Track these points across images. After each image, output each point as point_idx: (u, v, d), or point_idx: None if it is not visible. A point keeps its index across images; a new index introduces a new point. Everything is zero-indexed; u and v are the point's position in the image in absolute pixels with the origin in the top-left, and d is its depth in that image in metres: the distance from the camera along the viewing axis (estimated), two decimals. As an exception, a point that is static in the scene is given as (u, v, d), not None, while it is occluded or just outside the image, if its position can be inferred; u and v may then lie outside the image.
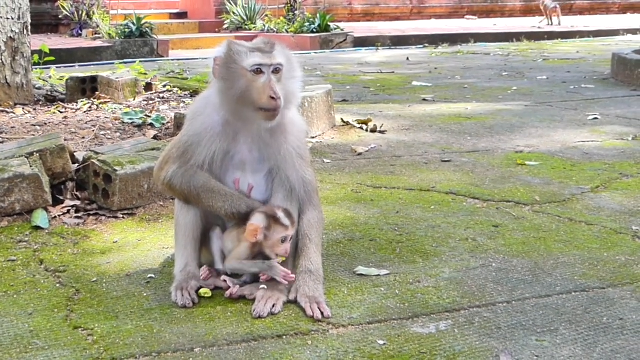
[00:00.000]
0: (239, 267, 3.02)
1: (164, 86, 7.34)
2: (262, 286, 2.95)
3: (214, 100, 3.02)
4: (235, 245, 3.02)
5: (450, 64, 11.78)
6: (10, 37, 6.41)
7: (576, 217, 3.97)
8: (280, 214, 2.94)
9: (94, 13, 15.24)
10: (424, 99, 8.00)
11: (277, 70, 2.94)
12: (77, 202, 4.10)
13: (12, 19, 6.41)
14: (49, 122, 5.67)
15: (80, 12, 15.39)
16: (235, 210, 2.98)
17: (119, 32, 13.71)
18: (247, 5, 17.59)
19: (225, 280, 3.03)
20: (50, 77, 8.14)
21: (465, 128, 6.38)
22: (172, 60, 12.63)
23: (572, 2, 24.52)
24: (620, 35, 17.68)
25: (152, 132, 5.36)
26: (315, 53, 14.54)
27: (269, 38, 3.05)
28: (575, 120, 6.73)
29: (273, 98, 2.89)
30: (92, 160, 4.15)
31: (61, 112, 6.17)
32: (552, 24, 19.50)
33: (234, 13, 17.62)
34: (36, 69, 7.93)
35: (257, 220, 2.93)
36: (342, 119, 6.45)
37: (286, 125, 3.05)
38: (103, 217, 4.00)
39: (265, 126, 2.97)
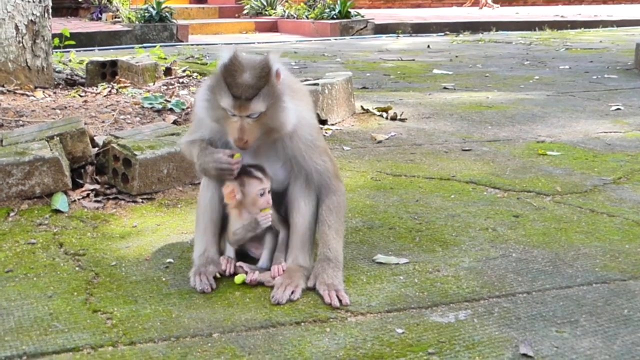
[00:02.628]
0: (237, 238, 3.05)
1: (184, 71, 7.34)
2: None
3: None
4: (229, 224, 3.07)
5: (471, 52, 11.71)
6: (31, 21, 6.42)
7: (598, 208, 3.94)
8: (250, 169, 2.96)
9: (114, -3, 15.29)
10: (445, 87, 7.95)
11: (251, 116, 2.81)
12: (97, 186, 4.11)
13: (33, 2, 6.43)
14: (69, 106, 5.68)
15: (101, -4, 15.45)
16: (204, 162, 2.97)
17: (139, 16, 13.72)
18: (267, -9, 17.57)
19: (241, 266, 3.03)
20: (70, 60, 8.17)
21: (486, 117, 6.34)
22: (192, 45, 12.64)
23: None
24: (643, 25, 17.50)
25: (172, 117, 5.36)
26: (335, 39, 14.49)
27: (265, 68, 2.79)
28: (597, 110, 6.67)
29: (239, 140, 2.82)
30: (112, 145, 4.16)
31: (81, 96, 6.19)
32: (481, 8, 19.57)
33: (254, -2, 17.60)
34: (56, 52, 7.95)
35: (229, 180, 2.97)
36: (362, 107, 6.43)
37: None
38: (122, 202, 4.00)
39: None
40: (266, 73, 2.81)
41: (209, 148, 2.99)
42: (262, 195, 2.98)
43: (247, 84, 2.78)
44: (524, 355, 2.44)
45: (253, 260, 3.11)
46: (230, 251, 3.11)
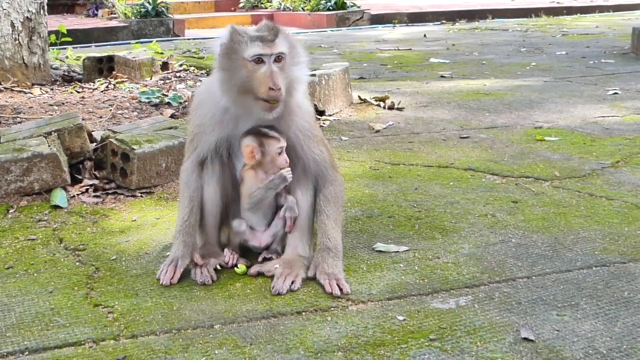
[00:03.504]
0: (255, 199, 3.04)
1: (181, 65, 7.34)
2: (276, 265, 2.97)
3: (215, 89, 3.00)
4: (243, 188, 3.07)
5: (468, 40, 11.69)
6: (27, 17, 6.41)
7: (596, 192, 3.94)
8: (265, 130, 2.99)
9: (109, -7, 15.23)
10: (442, 76, 7.94)
11: (279, 59, 2.90)
12: (96, 181, 4.11)
13: (29, -1, 6.41)
14: (67, 102, 5.68)
15: (96, -8, 15.39)
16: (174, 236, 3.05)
17: (135, 11, 13.69)
18: (262, -17, 17.51)
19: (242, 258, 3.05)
20: (67, 57, 8.16)
21: (483, 104, 6.34)
22: (188, 39, 12.61)
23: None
24: (640, 10, 17.47)
25: (169, 111, 5.36)
26: (332, 31, 14.46)
27: (273, 23, 2.98)
28: (595, 95, 6.66)
29: (272, 89, 2.85)
30: (110, 139, 4.16)
31: (78, 92, 6.19)
32: None
33: (249, -9, 17.54)
34: (53, 49, 7.94)
35: (248, 141, 3.00)
36: (359, 97, 6.42)
37: (292, 108, 3.02)
38: (121, 196, 4.01)
39: (266, 117, 2.93)
40: (274, 25, 2.94)
41: (184, 232, 3.01)
42: (279, 153, 3.00)
43: (266, 30, 2.91)
44: (525, 339, 2.45)
45: (254, 255, 3.12)
46: (234, 244, 3.12)
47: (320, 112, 5.70)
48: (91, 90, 6.26)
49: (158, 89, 5.91)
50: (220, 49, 2.94)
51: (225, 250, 3.09)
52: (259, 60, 2.87)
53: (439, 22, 15.56)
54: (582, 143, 4.96)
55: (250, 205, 3.07)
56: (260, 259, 3.09)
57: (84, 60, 7.02)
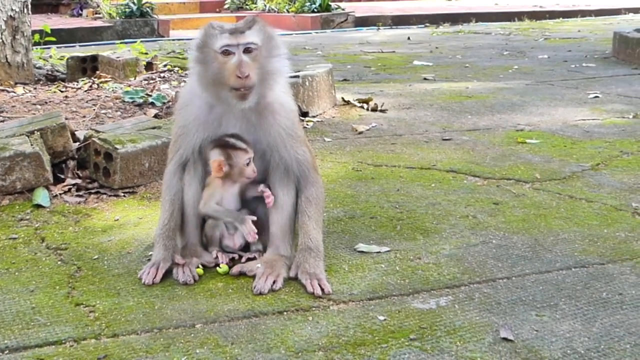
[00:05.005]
0: (214, 213, 3.06)
1: (165, 65, 7.33)
2: (257, 265, 2.98)
3: (196, 86, 3.02)
4: (207, 190, 3.08)
5: (451, 43, 11.74)
6: (11, 16, 6.39)
7: (576, 194, 3.98)
8: (233, 141, 2.99)
9: (94, -7, 15.17)
10: (425, 78, 7.98)
11: (249, 50, 2.91)
12: (78, 181, 4.11)
13: (12, -2, 6.39)
14: (50, 101, 5.66)
15: (81, -8, 15.33)
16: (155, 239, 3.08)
17: (120, 12, 13.65)
18: (247, -15, 17.50)
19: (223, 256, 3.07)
20: (50, 56, 8.13)
21: (465, 107, 6.37)
22: (173, 40, 12.58)
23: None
24: (622, 14, 17.58)
25: (153, 111, 5.35)
26: (316, 33, 14.47)
27: (253, 17, 3.00)
28: (576, 98, 6.71)
29: (240, 77, 2.86)
30: (93, 139, 4.16)
31: (62, 91, 6.17)
32: None
33: (234, -7, 17.52)
34: (37, 48, 7.91)
35: (216, 155, 3.00)
36: (342, 98, 6.44)
37: (273, 105, 3.03)
38: (104, 196, 4.00)
39: (239, 107, 2.95)
40: (252, 18, 2.96)
41: (164, 235, 3.04)
42: (247, 164, 3.02)
43: (240, 23, 2.94)
44: (505, 339, 2.47)
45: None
46: (216, 242, 3.13)
47: (304, 114, 5.71)
48: (75, 89, 6.24)
49: (142, 89, 5.90)
50: (195, 44, 2.96)
51: (214, 251, 3.10)
52: (227, 52, 2.90)
53: (422, 25, 15.61)
54: (562, 146, 5.00)
55: (204, 213, 3.08)
56: (243, 259, 3.10)
57: (67, 59, 7.00)
